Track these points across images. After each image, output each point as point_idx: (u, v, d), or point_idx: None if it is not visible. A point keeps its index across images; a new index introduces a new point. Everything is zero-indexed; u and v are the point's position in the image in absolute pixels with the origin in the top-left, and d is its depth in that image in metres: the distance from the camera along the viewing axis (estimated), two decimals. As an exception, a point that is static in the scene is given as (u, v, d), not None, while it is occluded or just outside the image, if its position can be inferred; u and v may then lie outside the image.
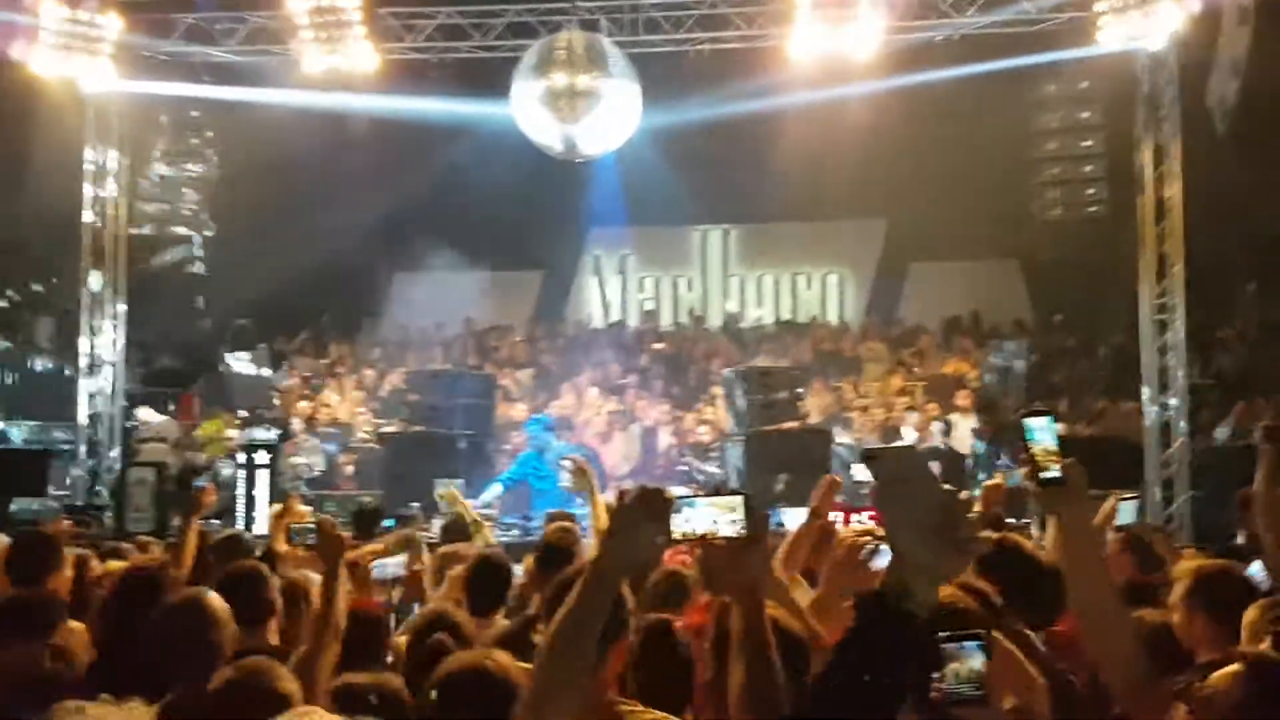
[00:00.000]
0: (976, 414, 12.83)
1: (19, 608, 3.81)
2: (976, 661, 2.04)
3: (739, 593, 2.27)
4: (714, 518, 2.21)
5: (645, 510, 2.09)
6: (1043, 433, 2.38)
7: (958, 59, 12.54)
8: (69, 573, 4.51)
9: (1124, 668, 2.44)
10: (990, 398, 12.60)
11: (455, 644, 3.73)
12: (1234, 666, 2.36)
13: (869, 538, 3.32)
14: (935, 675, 2.01)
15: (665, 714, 2.73)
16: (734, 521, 2.21)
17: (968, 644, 2.06)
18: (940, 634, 2.02)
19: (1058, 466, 2.37)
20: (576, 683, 2.09)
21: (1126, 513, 4.98)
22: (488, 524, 7.22)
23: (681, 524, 2.18)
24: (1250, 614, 3.65)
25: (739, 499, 2.25)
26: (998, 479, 6.01)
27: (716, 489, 2.84)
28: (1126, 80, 12.36)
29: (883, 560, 3.36)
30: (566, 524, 5.39)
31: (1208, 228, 12.19)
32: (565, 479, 9.35)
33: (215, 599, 3.76)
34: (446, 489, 6.65)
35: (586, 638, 2.08)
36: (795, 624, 2.75)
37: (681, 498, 2.21)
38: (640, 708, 2.73)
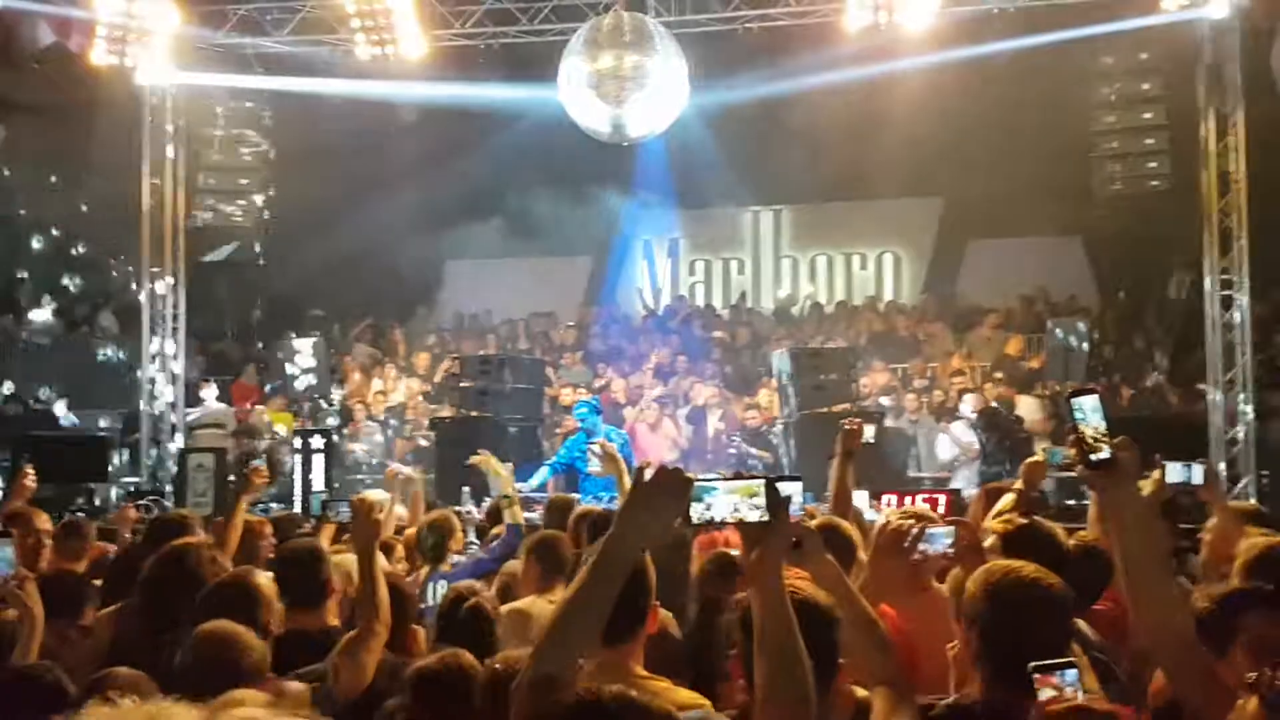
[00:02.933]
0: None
1: (49, 589, 3.89)
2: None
3: (758, 579, 2.23)
4: (735, 504, 2.19)
5: (663, 489, 2.08)
6: (1091, 412, 2.37)
7: (1014, 31, 12.27)
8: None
9: (1177, 651, 2.41)
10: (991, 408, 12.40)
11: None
12: None
13: (914, 521, 3.27)
14: None
15: (693, 691, 2.72)
16: (755, 507, 2.18)
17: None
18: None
19: (1107, 447, 2.34)
20: (580, 654, 2.11)
21: (1174, 473, 4.80)
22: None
23: (702, 511, 2.17)
24: None
25: (760, 483, 2.22)
26: (1039, 456, 5.81)
27: (737, 473, 2.81)
28: (1187, 50, 12.01)
29: (930, 545, 3.32)
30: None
31: (1274, 201, 11.83)
32: (594, 463, 9.36)
33: (263, 578, 3.82)
34: (483, 455, 6.60)
35: (596, 610, 2.11)
36: (818, 594, 2.71)
37: (702, 482, 2.19)
38: (668, 684, 2.73)
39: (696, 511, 2.17)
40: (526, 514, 6.62)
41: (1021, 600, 2.66)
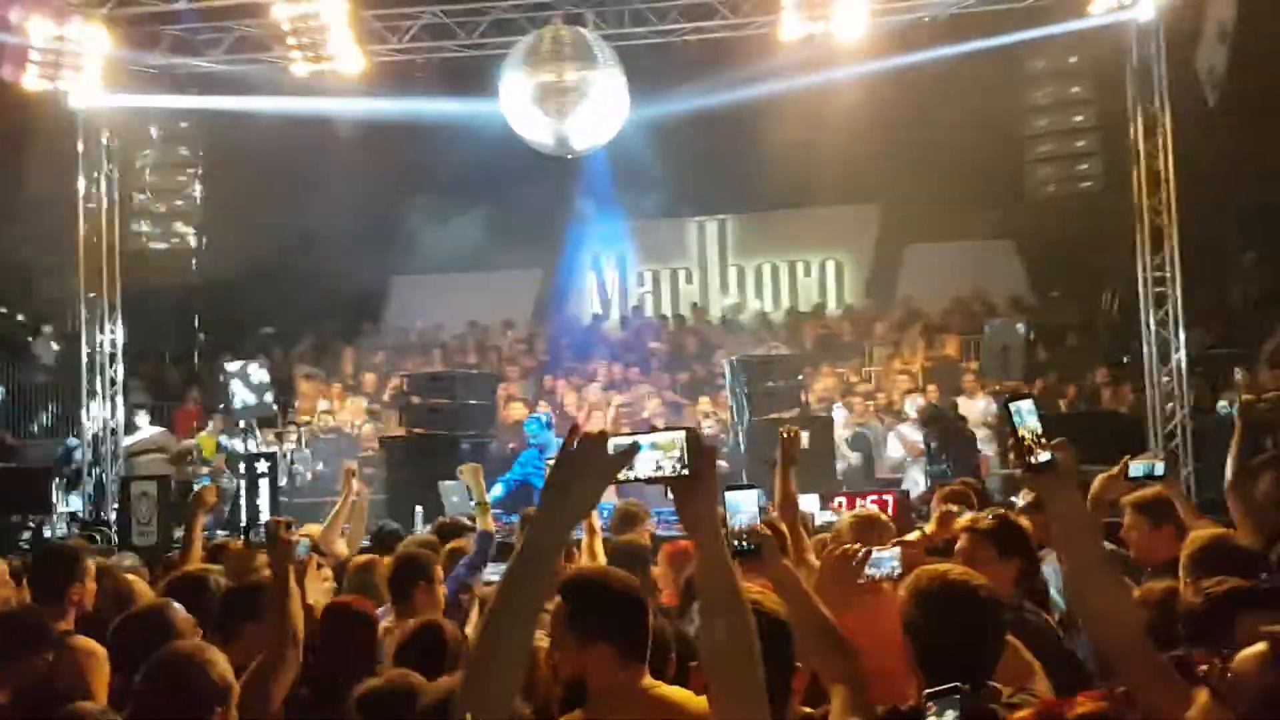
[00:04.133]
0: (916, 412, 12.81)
1: (15, 623, 3.82)
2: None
3: (692, 533, 2.17)
4: (656, 460, 2.13)
5: (585, 456, 2.03)
6: (1028, 415, 2.42)
7: (946, 38, 12.48)
8: (91, 585, 4.51)
9: (1127, 649, 2.45)
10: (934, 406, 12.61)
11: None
12: (1259, 647, 2.29)
13: (859, 547, 3.32)
14: None
15: (681, 688, 2.74)
16: (676, 460, 2.13)
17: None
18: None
19: (1046, 450, 2.40)
20: (521, 646, 2.01)
21: (1136, 469, 4.90)
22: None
23: (625, 471, 2.09)
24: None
25: (679, 435, 2.16)
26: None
27: (653, 428, 2.76)
28: (1116, 53, 12.29)
29: (876, 569, 3.36)
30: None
31: (1202, 198, 12.14)
32: None
33: (177, 609, 3.71)
34: (467, 466, 6.61)
35: (534, 593, 2.02)
36: (773, 604, 2.74)
37: (622, 441, 2.11)
38: (657, 683, 2.75)
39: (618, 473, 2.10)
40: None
41: (946, 601, 2.72)
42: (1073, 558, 2.48)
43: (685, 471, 2.12)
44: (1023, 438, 2.41)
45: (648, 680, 2.76)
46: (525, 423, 11.80)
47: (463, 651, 3.74)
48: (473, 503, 6.10)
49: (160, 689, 2.84)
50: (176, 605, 3.73)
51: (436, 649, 3.73)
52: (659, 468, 2.13)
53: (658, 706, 2.69)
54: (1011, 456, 2.55)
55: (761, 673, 2.12)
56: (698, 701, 2.59)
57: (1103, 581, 2.47)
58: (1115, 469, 4.80)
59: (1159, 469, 4.91)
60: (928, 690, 2.15)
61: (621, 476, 2.10)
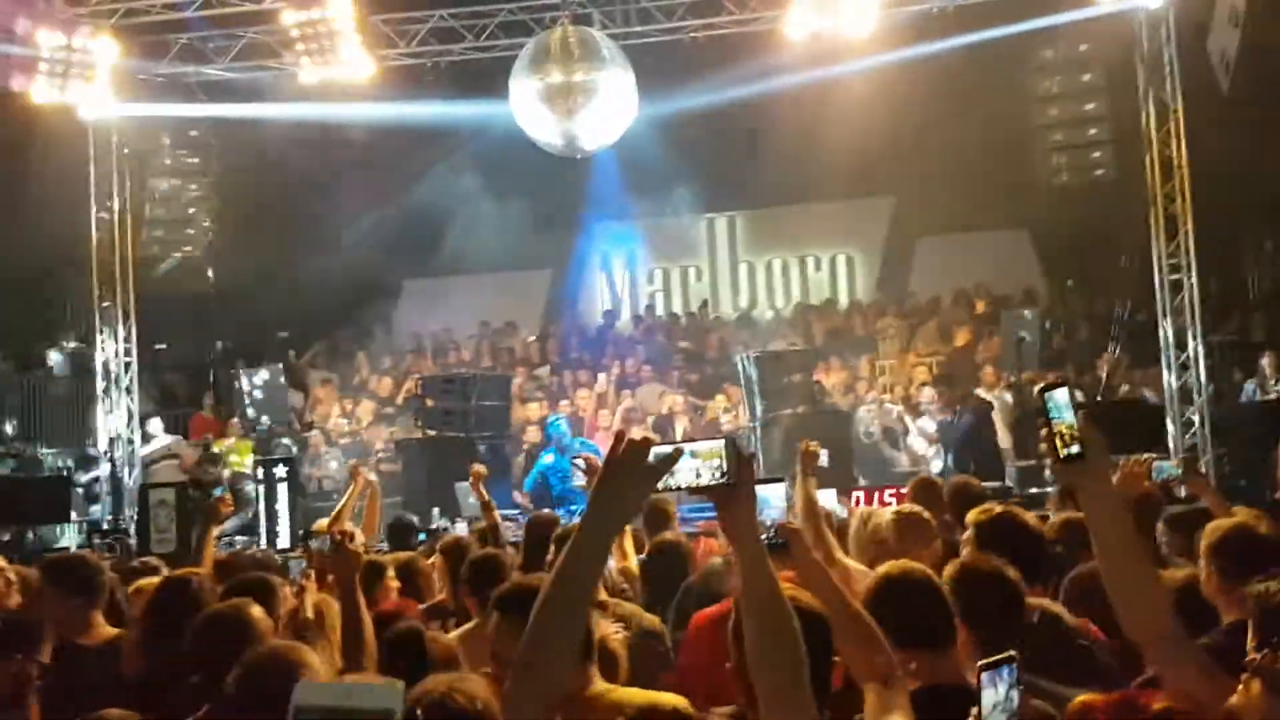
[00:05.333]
0: (935, 386, 12.79)
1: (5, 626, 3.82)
2: None
3: (733, 540, 2.21)
4: (696, 468, 2.15)
5: (631, 461, 2.06)
6: (1064, 408, 2.40)
7: (955, 29, 12.45)
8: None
9: (1162, 639, 2.44)
10: (949, 372, 12.62)
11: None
12: None
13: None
14: None
15: (639, 689, 2.74)
16: (716, 469, 2.15)
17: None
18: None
19: (1078, 442, 2.38)
20: (571, 644, 2.06)
21: (1160, 471, 4.87)
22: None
23: (665, 479, 2.12)
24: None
25: (719, 443, 2.18)
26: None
27: (691, 439, 2.79)
28: (1126, 40, 12.24)
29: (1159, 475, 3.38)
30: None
31: (1217, 185, 12.07)
32: (579, 478, 9.37)
33: (257, 610, 3.68)
34: (473, 473, 6.78)
35: (581, 596, 2.07)
36: (811, 600, 2.73)
37: (664, 449, 2.13)
38: (613, 686, 2.75)
39: (660, 480, 2.12)
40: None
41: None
42: (1105, 548, 2.47)
43: (726, 480, 2.14)
44: (1058, 431, 2.39)
45: (600, 685, 2.76)
46: (546, 423, 11.81)
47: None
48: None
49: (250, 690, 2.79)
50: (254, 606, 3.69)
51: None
52: (699, 475, 2.15)
53: (612, 709, 2.69)
54: (1044, 448, 2.49)
55: (806, 674, 2.14)
56: (666, 699, 2.62)
57: (1135, 571, 2.45)
58: (1131, 465, 4.73)
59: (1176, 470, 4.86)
60: (982, 662, 2.14)
61: (661, 485, 2.13)
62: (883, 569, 3.16)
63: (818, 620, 2.59)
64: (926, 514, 4.90)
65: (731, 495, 2.17)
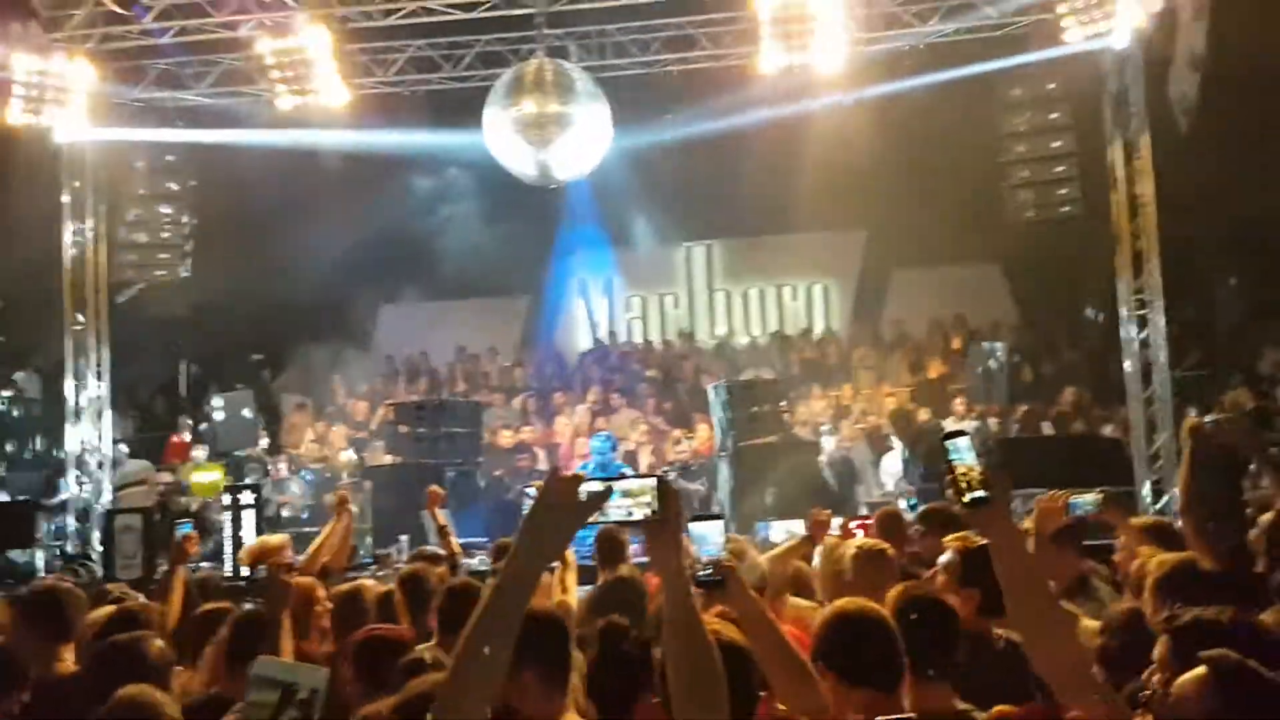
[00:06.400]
0: (893, 425, 12.86)
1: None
2: None
3: (658, 569, 2.27)
4: (628, 506, 2.22)
5: (559, 500, 2.11)
6: (965, 452, 2.50)
7: (925, 67, 12.65)
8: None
9: (1070, 675, 2.49)
10: (907, 412, 12.73)
11: None
12: (1199, 671, 2.31)
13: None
14: None
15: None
16: (647, 505, 2.22)
17: None
18: None
19: (981, 486, 2.47)
20: (490, 677, 2.08)
21: (1076, 507, 4.88)
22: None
23: (596, 514, 2.19)
24: None
25: (649, 481, 2.25)
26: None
27: (622, 475, 2.86)
28: (1093, 79, 12.44)
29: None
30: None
31: (1181, 221, 12.25)
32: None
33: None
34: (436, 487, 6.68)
35: (505, 629, 2.08)
36: (734, 634, 2.78)
37: (595, 485, 2.20)
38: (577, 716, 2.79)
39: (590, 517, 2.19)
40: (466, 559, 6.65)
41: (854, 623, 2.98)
42: (1010, 586, 2.54)
43: (654, 516, 2.22)
44: (959, 475, 2.48)
45: (571, 716, 2.80)
46: (591, 440, 11.81)
47: None
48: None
49: None
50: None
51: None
52: (630, 513, 2.22)
53: None
54: (949, 492, 2.54)
55: (726, 706, 2.20)
56: None
57: (1042, 610, 2.52)
58: (1046, 500, 4.75)
59: (1094, 504, 4.89)
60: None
61: (594, 519, 2.19)
62: (836, 605, 3.20)
63: (739, 653, 2.64)
64: (890, 551, 4.94)
65: (659, 531, 2.23)
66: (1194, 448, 4.31)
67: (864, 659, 2.92)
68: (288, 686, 2.71)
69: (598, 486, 2.19)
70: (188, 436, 14.82)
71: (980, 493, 2.46)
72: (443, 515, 6.41)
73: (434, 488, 6.73)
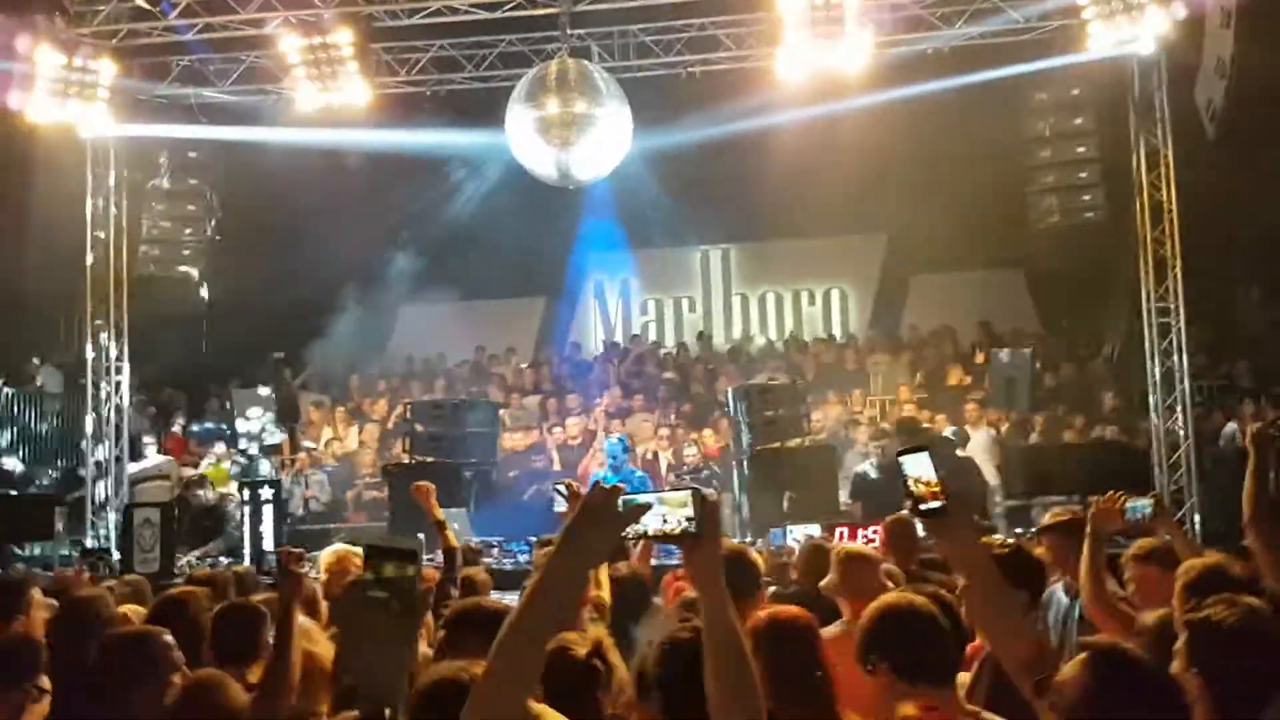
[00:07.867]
0: (899, 433, 12.77)
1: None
2: None
3: (697, 586, 2.27)
4: (664, 515, 2.22)
5: (601, 507, 2.11)
6: (920, 467, 2.62)
7: (949, 70, 12.55)
8: (41, 614, 4.51)
9: (1023, 667, 2.62)
10: (910, 418, 12.68)
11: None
12: (1080, 656, 2.44)
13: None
14: None
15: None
16: (686, 518, 2.22)
17: None
18: None
19: (940, 498, 2.60)
20: (526, 677, 2.09)
21: (1131, 511, 4.85)
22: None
23: (633, 525, 2.19)
24: None
25: (688, 494, 2.25)
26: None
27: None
28: (1118, 85, 12.38)
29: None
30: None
31: (1205, 229, 12.17)
32: (560, 504, 9.30)
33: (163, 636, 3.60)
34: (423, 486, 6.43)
35: (541, 630, 2.09)
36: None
37: (632, 498, 2.20)
38: (543, 706, 2.77)
39: (630, 527, 2.20)
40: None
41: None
42: (972, 592, 2.72)
43: (692, 529, 2.22)
44: (914, 488, 2.61)
45: (536, 706, 2.79)
46: (606, 443, 11.83)
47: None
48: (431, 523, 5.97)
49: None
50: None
51: None
52: (666, 522, 2.23)
53: None
54: (907, 504, 2.68)
55: (762, 715, 2.21)
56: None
57: (1001, 609, 2.70)
58: (1105, 501, 4.74)
59: (1151, 509, 4.89)
60: None
61: (631, 531, 2.20)
62: (885, 599, 3.20)
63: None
64: (875, 558, 4.89)
65: (697, 543, 2.23)
66: (1259, 455, 4.18)
67: (917, 653, 2.95)
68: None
69: (639, 498, 2.21)
70: (204, 431, 14.90)
71: (935, 504, 2.58)
72: (438, 508, 6.14)
73: (420, 483, 6.44)
